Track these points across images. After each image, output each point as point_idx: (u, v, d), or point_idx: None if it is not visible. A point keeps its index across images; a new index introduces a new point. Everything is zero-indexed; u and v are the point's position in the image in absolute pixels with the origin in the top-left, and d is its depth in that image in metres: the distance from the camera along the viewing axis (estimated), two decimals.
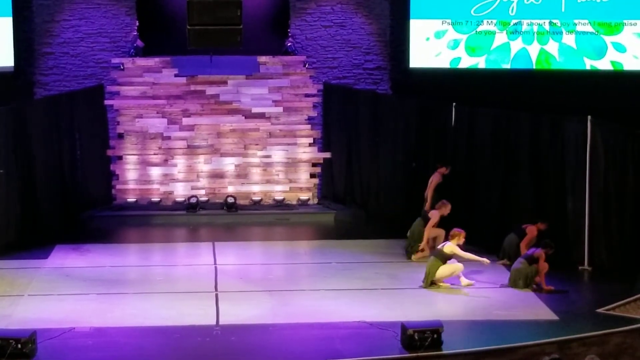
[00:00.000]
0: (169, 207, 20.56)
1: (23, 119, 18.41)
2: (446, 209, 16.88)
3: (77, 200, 19.90)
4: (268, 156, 20.94)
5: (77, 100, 20.19)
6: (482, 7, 20.47)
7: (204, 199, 20.65)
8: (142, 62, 20.70)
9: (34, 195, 18.45)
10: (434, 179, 17.88)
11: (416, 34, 20.74)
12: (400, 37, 21.05)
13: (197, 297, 14.97)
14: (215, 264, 16.99)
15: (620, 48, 20.07)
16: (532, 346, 12.66)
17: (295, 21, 21.25)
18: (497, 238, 16.93)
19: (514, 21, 20.42)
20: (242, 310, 14.34)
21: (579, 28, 20.19)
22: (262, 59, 20.85)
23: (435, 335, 12.55)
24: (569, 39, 20.26)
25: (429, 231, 16.88)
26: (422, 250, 16.84)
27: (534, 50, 20.38)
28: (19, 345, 12.14)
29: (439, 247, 15.72)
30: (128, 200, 20.65)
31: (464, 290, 15.30)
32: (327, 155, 21.13)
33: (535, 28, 20.35)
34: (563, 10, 20.23)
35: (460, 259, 15.45)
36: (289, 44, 21.09)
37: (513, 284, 15.39)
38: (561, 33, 20.28)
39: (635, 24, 20.03)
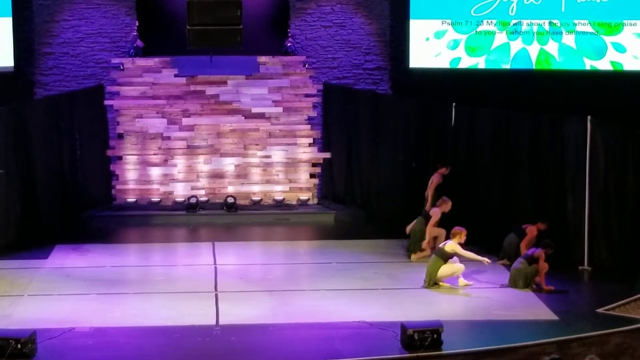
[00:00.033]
0: (169, 207, 20.56)
1: (23, 119, 18.41)
2: (447, 206, 16.89)
3: (77, 200, 19.90)
4: (268, 156, 20.94)
5: (77, 100, 20.19)
6: (482, 7, 20.47)
7: (203, 199, 20.65)
8: (142, 62, 20.70)
9: (34, 195, 18.45)
10: (434, 180, 17.88)
11: (416, 34, 20.74)
12: (400, 37, 21.04)
13: (197, 297, 14.97)
14: (215, 264, 16.99)
15: (620, 48, 20.07)
16: (532, 346, 12.67)
17: (295, 21, 21.25)
18: (497, 238, 16.94)
19: (514, 21, 20.42)
20: (242, 310, 14.34)
21: (579, 28, 20.19)
22: (262, 59, 20.85)
23: (435, 335, 12.55)
24: (568, 39, 20.26)
25: (431, 230, 16.89)
26: (424, 249, 16.85)
27: (533, 50, 20.38)
28: (19, 345, 12.14)
29: (441, 245, 15.72)
30: (128, 200, 20.65)
31: (464, 290, 15.30)
32: (327, 155, 21.13)
33: (535, 28, 20.35)
34: (563, 10, 20.23)
35: (461, 258, 15.45)
36: (288, 44, 21.09)
37: (513, 284, 15.39)
38: (561, 33, 20.28)
39: (635, 24, 20.03)
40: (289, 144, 20.94)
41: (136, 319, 13.92)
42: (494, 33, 20.51)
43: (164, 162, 20.78)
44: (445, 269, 15.38)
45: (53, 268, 16.62)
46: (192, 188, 20.76)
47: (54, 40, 20.89)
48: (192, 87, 20.72)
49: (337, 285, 15.59)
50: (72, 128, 19.99)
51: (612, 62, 20.14)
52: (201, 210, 20.33)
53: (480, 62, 20.60)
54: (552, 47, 20.32)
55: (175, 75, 20.70)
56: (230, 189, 20.79)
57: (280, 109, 20.89)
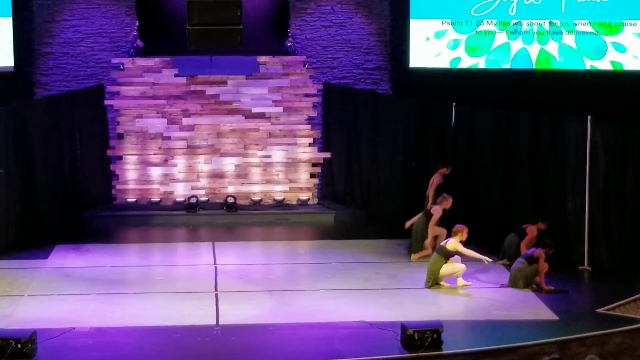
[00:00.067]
0: (169, 207, 20.56)
1: (23, 119, 18.41)
2: (447, 203, 16.89)
3: (77, 200, 19.90)
4: (268, 156, 20.94)
5: (77, 100, 20.19)
6: (482, 7, 20.47)
7: (204, 199, 20.65)
8: (142, 62, 20.70)
9: (34, 195, 18.45)
10: (435, 180, 17.89)
11: (416, 34, 20.74)
12: (400, 37, 21.05)
13: (197, 297, 14.97)
14: (215, 264, 16.99)
15: (620, 48, 20.07)
16: (532, 346, 12.66)
17: (295, 21, 21.25)
18: (497, 238, 16.93)
19: (514, 21, 20.42)
20: (242, 310, 14.34)
21: (579, 28, 20.20)
22: (262, 59, 20.85)
23: (435, 335, 12.55)
24: (569, 39, 20.26)
25: (433, 229, 16.89)
26: (426, 248, 16.84)
27: (534, 50, 20.38)
28: (19, 345, 12.13)
29: (442, 243, 15.70)
30: (128, 200, 20.65)
31: (464, 290, 15.30)
32: (327, 155, 21.13)
33: (535, 28, 20.35)
34: (563, 10, 20.23)
35: (462, 256, 15.44)
36: (289, 44, 21.09)
37: (513, 284, 15.39)
38: (561, 33, 20.28)
39: (635, 24, 20.04)
40: (289, 144, 20.94)
41: (136, 319, 13.91)
42: (494, 33, 20.51)
43: (164, 162, 20.78)
44: (446, 268, 15.37)
45: (53, 268, 16.62)
46: (192, 188, 20.76)
47: (54, 40, 20.89)
48: (192, 87, 20.72)
49: (337, 285, 15.59)
50: (72, 128, 19.99)
51: (612, 62, 20.14)
52: (201, 210, 20.33)
53: (480, 62, 20.61)
54: (552, 47, 20.32)
55: (176, 75, 20.70)
56: (231, 189, 20.79)
57: (280, 109, 20.89)
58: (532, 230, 16.24)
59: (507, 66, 20.54)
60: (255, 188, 20.94)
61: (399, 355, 12.47)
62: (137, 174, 20.73)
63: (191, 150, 20.79)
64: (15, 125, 18.08)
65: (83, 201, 20.07)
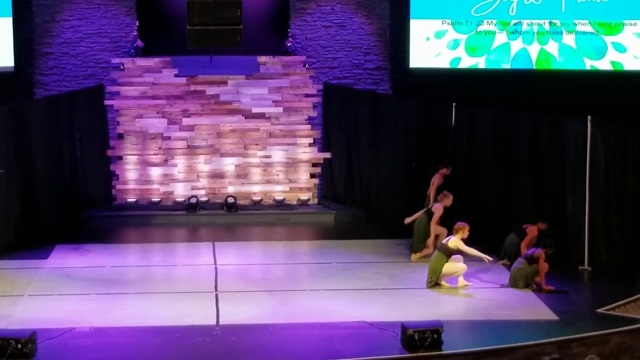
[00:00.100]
0: (169, 207, 20.56)
1: (23, 119, 18.41)
2: (448, 200, 16.88)
3: (77, 200, 19.90)
4: (268, 156, 20.94)
5: (77, 100, 20.19)
6: (482, 7, 20.47)
7: (204, 199, 20.65)
8: (142, 62, 20.70)
9: (34, 195, 18.45)
10: (436, 180, 17.89)
11: (416, 34, 20.74)
12: (400, 37, 21.05)
13: (197, 297, 14.97)
14: (215, 264, 16.98)
15: (620, 48, 20.07)
16: (532, 346, 12.66)
17: (295, 21, 21.25)
18: (497, 238, 16.93)
19: (514, 21, 20.42)
20: (242, 310, 14.34)
21: (579, 28, 20.20)
22: (262, 59, 20.85)
23: (435, 335, 12.55)
24: (569, 39, 20.26)
25: (434, 227, 16.89)
26: (428, 247, 16.83)
27: (534, 50, 20.38)
28: (19, 345, 12.13)
29: (444, 241, 15.69)
30: (128, 200, 20.65)
31: (464, 290, 15.30)
32: (327, 155, 21.13)
33: (535, 28, 20.35)
34: (563, 10, 20.23)
35: (463, 254, 15.43)
36: (289, 44, 21.09)
37: (513, 284, 15.38)
38: (561, 33, 20.28)
39: (635, 24, 20.04)
40: (289, 144, 20.94)
41: (136, 319, 13.91)
42: (494, 33, 20.51)
43: (164, 162, 20.78)
44: (448, 268, 15.36)
45: (53, 268, 16.62)
46: (192, 188, 20.76)
47: (54, 40, 20.89)
48: (192, 87, 20.72)
49: (337, 285, 15.59)
50: (72, 128, 19.99)
51: (612, 62, 20.14)
52: (201, 210, 20.33)
53: (480, 62, 20.61)
54: (552, 47, 20.32)
55: (176, 75, 20.70)
56: (231, 189, 20.79)
57: (280, 109, 20.89)
58: (532, 231, 16.24)
59: (507, 66, 20.54)
60: (256, 188, 20.93)
61: (399, 355, 12.47)
62: (137, 174, 20.72)
63: (191, 150, 20.78)
64: (15, 125, 18.08)
65: (83, 201, 20.07)
